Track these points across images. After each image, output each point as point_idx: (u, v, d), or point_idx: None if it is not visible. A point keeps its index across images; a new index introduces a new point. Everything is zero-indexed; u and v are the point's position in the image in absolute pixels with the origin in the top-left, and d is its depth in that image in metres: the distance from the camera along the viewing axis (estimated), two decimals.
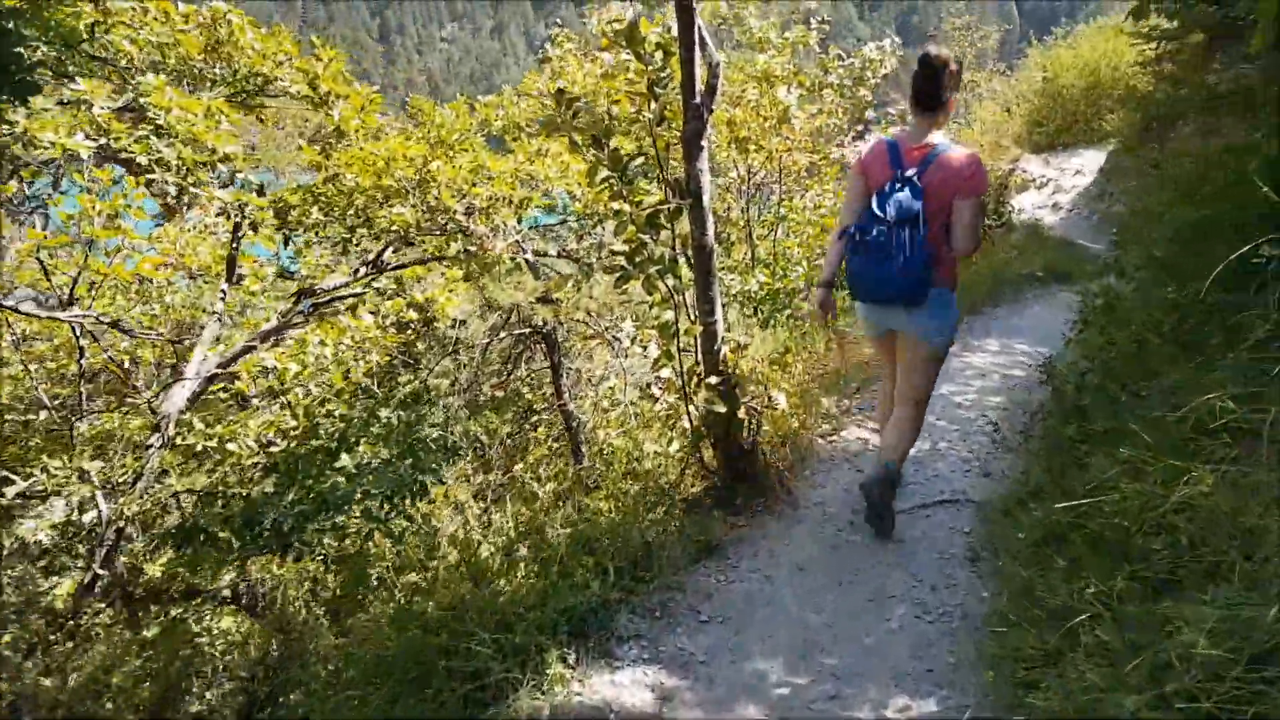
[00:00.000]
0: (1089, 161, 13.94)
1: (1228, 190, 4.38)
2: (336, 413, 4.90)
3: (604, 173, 3.47)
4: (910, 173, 3.21)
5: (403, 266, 5.86)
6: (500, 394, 6.44)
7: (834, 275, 3.58)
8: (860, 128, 8.41)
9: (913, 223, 3.15)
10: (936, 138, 3.27)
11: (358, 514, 4.38)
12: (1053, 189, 13.84)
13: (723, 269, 7.83)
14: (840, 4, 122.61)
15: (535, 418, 6.93)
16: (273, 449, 4.68)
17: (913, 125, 3.33)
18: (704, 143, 3.59)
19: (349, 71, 5.95)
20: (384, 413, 4.88)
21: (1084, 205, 12.66)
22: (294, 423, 4.81)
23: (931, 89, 3.22)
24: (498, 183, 5.42)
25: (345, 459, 4.52)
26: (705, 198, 3.62)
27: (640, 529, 3.59)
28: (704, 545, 3.66)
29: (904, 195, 3.18)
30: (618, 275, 3.53)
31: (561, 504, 4.30)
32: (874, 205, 3.25)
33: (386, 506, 4.42)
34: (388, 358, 5.50)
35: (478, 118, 8.30)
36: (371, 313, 5.17)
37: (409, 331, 5.60)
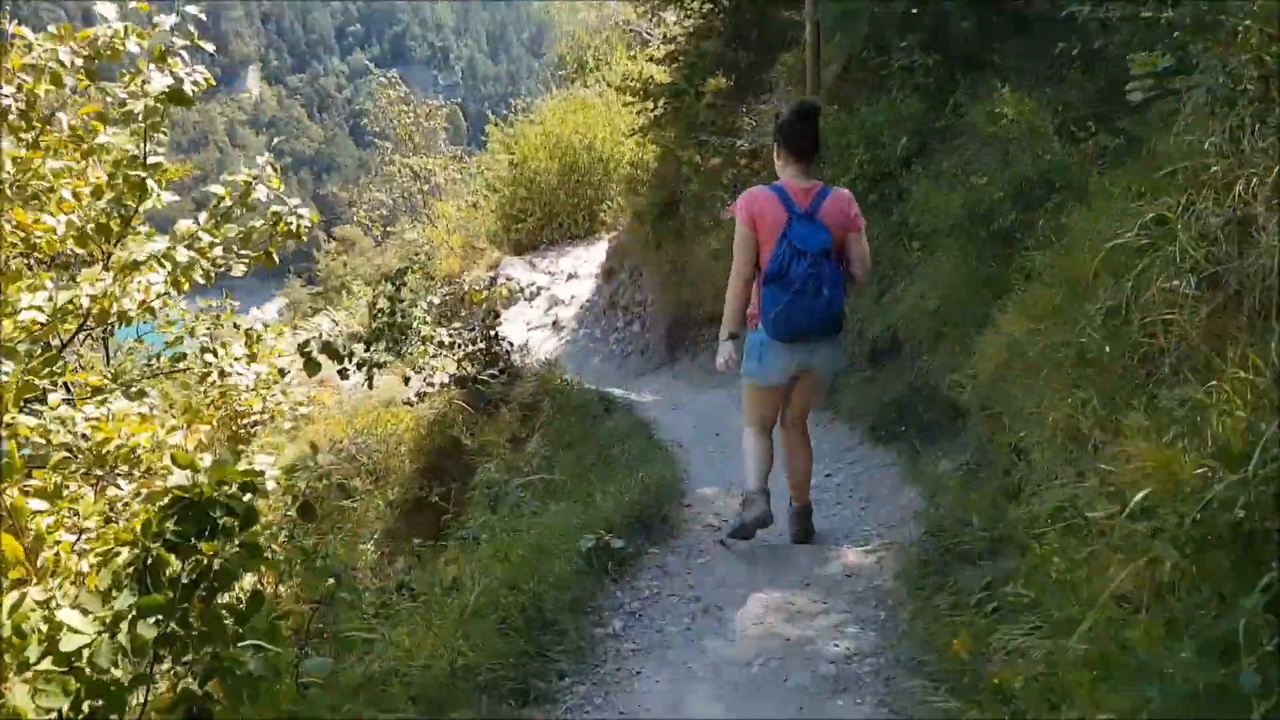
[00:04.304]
0: (582, 262, 11.23)
1: None
2: None
3: None
4: (808, 209, 3.20)
5: None
6: None
7: (739, 327, 3.41)
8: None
9: (828, 254, 3.15)
10: (816, 179, 3.32)
11: None
12: (547, 301, 10.75)
13: None
14: (288, 101, 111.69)
15: None
16: None
17: (792, 173, 3.30)
18: None
19: None
20: None
21: (592, 323, 9.64)
22: None
23: (812, 133, 3.29)
24: None
25: None
26: None
27: None
28: None
29: (811, 229, 3.15)
30: None
31: None
32: (789, 243, 3.15)
33: None
34: None
35: None
36: None
37: None
